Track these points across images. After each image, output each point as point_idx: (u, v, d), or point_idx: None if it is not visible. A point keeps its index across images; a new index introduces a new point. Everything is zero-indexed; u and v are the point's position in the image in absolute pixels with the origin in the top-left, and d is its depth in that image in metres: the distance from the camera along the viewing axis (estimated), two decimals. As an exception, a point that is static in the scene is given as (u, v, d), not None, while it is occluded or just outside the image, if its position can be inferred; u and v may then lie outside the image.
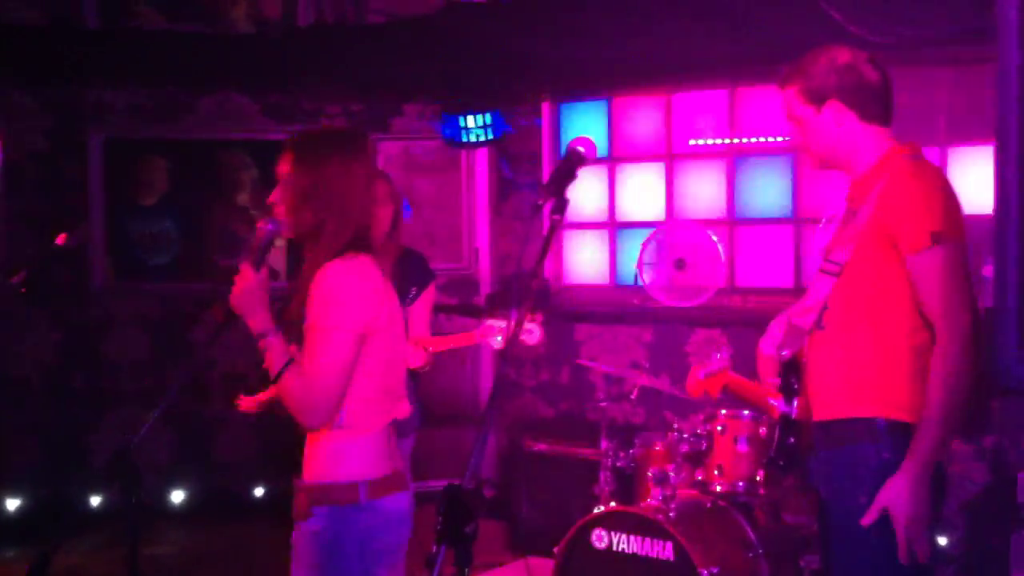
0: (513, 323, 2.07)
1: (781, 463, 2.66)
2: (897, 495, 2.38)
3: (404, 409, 2.54)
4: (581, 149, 2.27)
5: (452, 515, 1.84)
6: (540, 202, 2.17)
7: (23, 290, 3.78)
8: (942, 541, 4.80)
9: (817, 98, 2.55)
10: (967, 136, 4.93)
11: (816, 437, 2.59)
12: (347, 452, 2.43)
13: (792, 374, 2.68)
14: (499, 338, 3.50)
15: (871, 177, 2.52)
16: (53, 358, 6.26)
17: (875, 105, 2.57)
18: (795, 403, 2.69)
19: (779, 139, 5.55)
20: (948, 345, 2.35)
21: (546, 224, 2.19)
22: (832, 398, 2.53)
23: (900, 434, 2.42)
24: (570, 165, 2.25)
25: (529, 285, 2.14)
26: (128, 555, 2.77)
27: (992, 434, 4.73)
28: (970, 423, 4.66)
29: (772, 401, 3.61)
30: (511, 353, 2.08)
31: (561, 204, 2.15)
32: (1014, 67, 1.43)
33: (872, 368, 2.47)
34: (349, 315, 2.36)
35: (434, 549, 1.84)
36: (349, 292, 2.37)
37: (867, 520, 2.40)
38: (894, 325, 2.46)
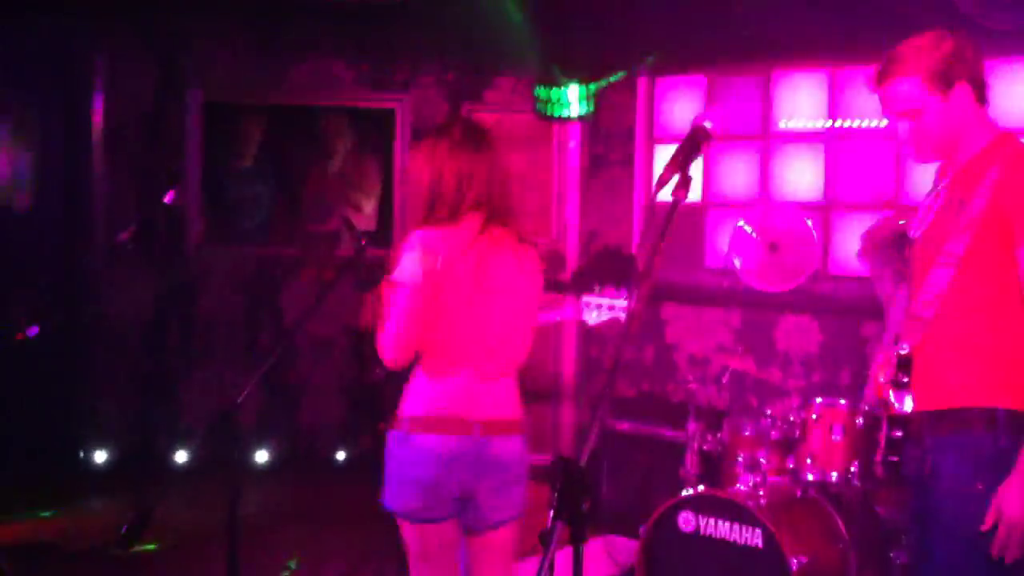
0: (630, 303, 2.05)
1: (893, 459, 2.60)
2: (1008, 492, 2.33)
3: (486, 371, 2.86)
4: (708, 124, 2.22)
5: (569, 492, 1.83)
6: (665, 177, 2.13)
7: (131, 247, 3.85)
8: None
9: (946, 82, 2.44)
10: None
11: (924, 426, 2.52)
12: (408, 389, 2.87)
13: (903, 369, 2.60)
14: (595, 314, 3.44)
15: (981, 162, 2.45)
16: (149, 314, 6.40)
17: (985, 86, 2.50)
18: (905, 398, 2.61)
19: (881, 123, 5.40)
20: None
21: (656, 200, 2.17)
22: (947, 387, 2.46)
23: (1019, 424, 2.38)
24: (695, 141, 2.20)
25: (650, 266, 2.09)
26: (228, 513, 2.84)
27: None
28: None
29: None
30: (631, 332, 2.05)
31: (685, 180, 2.11)
32: None
33: (991, 358, 2.41)
34: (398, 271, 2.82)
35: (549, 525, 1.82)
36: (401, 254, 2.84)
37: (987, 525, 2.36)
38: (1012, 315, 2.40)
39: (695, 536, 3.80)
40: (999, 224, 2.36)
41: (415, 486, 2.78)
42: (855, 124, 5.50)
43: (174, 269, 6.36)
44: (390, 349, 2.81)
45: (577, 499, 1.82)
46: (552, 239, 6.44)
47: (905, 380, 2.56)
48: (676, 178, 2.11)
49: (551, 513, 1.82)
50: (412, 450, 2.79)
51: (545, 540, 1.81)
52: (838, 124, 5.55)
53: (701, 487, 3.99)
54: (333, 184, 6.54)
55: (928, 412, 2.50)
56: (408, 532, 2.86)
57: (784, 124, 5.73)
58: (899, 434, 2.60)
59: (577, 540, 1.84)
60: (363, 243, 3.03)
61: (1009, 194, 2.35)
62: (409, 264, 2.79)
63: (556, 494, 1.83)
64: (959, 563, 2.43)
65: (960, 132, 2.49)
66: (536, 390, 6.19)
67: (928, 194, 2.65)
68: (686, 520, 3.84)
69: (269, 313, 6.40)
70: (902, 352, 2.48)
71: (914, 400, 2.52)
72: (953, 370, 2.46)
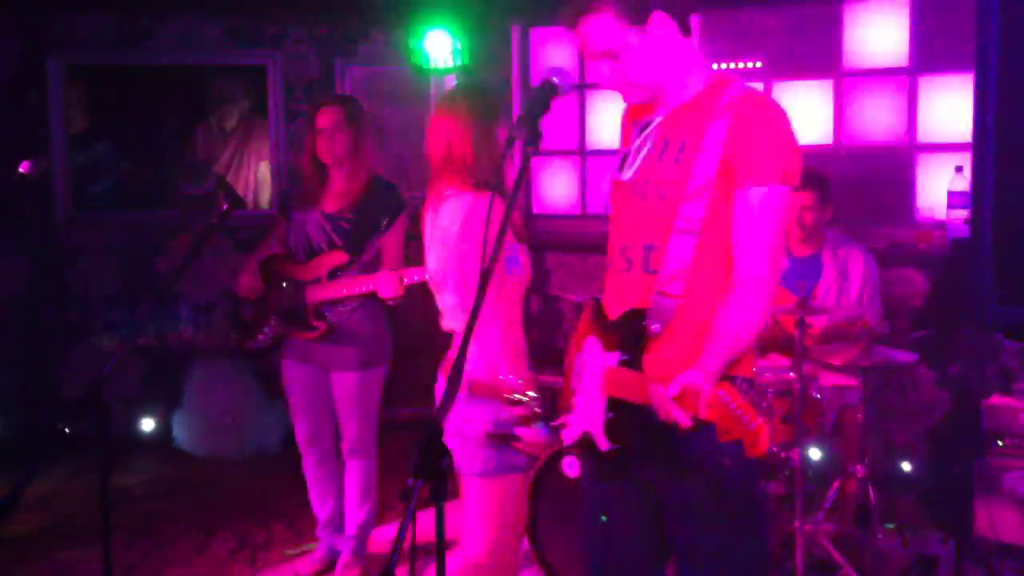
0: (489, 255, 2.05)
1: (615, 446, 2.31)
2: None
3: None
4: (555, 80, 2.21)
5: (428, 450, 1.84)
6: (514, 135, 2.13)
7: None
8: (905, 466, 4.90)
9: (640, 14, 2.19)
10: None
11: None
12: None
13: (638, 347, 2.24)
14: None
15: (700, 107, 2.24)
16: (21, 289, 6.19)
17: (688, 15, 2.26)
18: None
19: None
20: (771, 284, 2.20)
21: (519, 157, 2.16)
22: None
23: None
24: (544, 96, 2.20)
25: (508, 217, 2.10)
26: (99, 487, 2.78)
27: (957, 362, 4.80)
28: (936, 351, 4.74)
29: None
30: (483, 284, 2.05)
31: (535, 137, 2.11)
32: (996, 3, 1.41)
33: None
34: None
35: (410, 482, 1.84)
36: None
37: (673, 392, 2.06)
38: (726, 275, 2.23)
39: (580, 479, 3.86)
40: (730, 176, 2.17)
41: None
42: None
43: (44, 241, 6.16)
44: None
45: (436, 457, 1.84)
46: (434, 193, 6.41)
47: (628, 358, 2.24)
48: (525, 134, 2.12)
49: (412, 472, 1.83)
50: None
51: (407, 496, 1.82)
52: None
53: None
54: (210, 145, 6.38)
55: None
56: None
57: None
58: (612, 415, 2.26)
59: (438, 498, 1.86)
60: (225, 207, 2.97)
61: (738, 143, 2.15)
62: None
63: (417, 452, 1.85)
64: (725, 548, 2.28)
65: (667, 67, 2.26)
66: (427, 344, 6.19)
67: (627, 132, 2.45)
68: (570, 464, 3.89)
69: (147, 280, 6.24)
70: (654, 331, 2.20)
71: (639, 388, 2.17)
72: (695, 350, 2.16)
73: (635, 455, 2.26)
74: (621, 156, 2.40)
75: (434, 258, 2.94)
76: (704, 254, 2.20)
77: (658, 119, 2.32)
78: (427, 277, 3.32)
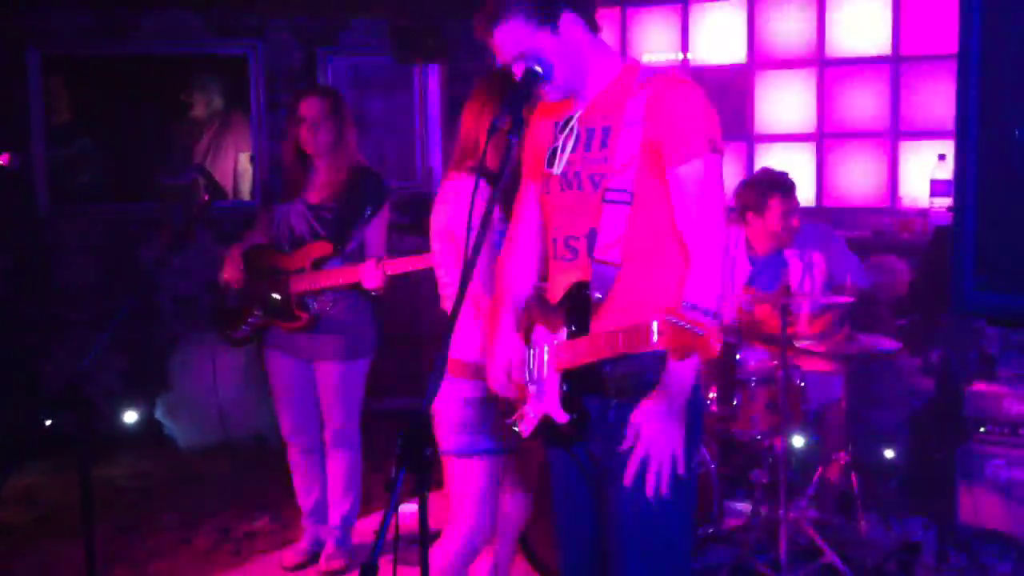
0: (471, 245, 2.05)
1: (570, 417, 2.35)
2: (648, 407, 2.21)
3: None
4: (539, 69, 2.21)
5: (412, 440, 1.84)
6: (497, 123, 2.13)
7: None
8: (887, 453, 4.92)
9: (549, 16, 2.26)
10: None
11: (605, 375, 2.29)
12: None
13: (582, 317, 2.32)
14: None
15: (617, 92, 2.30)
16: (1, 284, 6.14)
17: (594, 12, 2.34)
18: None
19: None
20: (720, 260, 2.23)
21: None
22: (633, 331, 2.13)
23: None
24: (527, 85, 2.20)
25: (491, 207, 2.09)
26: (80, 483, 2.76)
27: (939, 348, 4.82)
28: (918, 338, 4.76)
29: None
30: (467, 274, 2.04)
31: (518, 125, 2.11)
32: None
33: (668, 294, 2.29)
34: None
35: (393, 473, 1.83)
36: None
37: (626, 444, 2.21)
38: (677, 247, 2.29)
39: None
40: (655, 153, 2.23)
41: None
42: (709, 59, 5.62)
43: (24, 235, 6.11)
44: None
45: (420, 447, 1.83)
46: (417, 183, 6.40)
47: (575, 329, 2.31)
48: (509, 123, 2.11)
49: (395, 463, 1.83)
50: None
51: (391, 487, 1.82)
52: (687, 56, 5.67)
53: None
54: (189, 135, 6.33)
55: (610, 359, 2.23)
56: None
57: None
58: (567, 388, 2.31)
59: (422, 489, 1.85)
60: (206, 197, 2.96)
61: (659, 120, 2.22)
62: None
63: (400, 443, 1.84)
64: (648, 514, 2.26)
65: (582, 64, 2.32)
66: (412, 333, 6.20)
67: (546, 129, 2.46)
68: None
69: (129, 273, 6.20)
70: (596, 298, 2.26)
71: (589, 349, 2.26)
72: (638, 313, 2.20)
73: (589, 424, 2.30)
74: (548, 152, 2.41)
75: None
76: (637, 222, 2.27)
77: (578, 112, 2.38)
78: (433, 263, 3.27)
